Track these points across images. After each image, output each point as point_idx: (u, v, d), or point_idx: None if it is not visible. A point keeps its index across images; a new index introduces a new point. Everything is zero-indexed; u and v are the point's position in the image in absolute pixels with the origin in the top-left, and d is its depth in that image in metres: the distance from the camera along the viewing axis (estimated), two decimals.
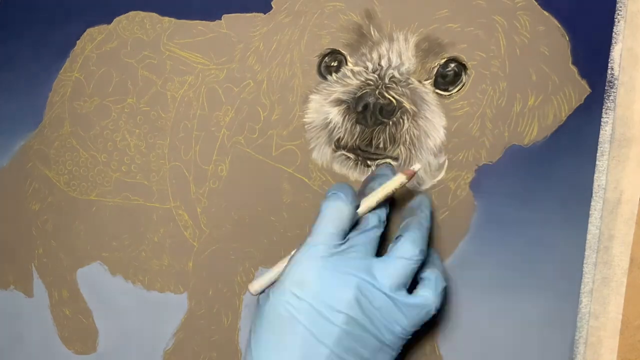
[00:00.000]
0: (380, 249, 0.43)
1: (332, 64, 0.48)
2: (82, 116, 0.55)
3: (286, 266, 0.41)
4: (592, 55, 0.43)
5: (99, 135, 0.55)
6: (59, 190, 0.56)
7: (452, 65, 0.46)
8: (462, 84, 0.45)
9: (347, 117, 0.46)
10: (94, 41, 0.55)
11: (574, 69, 0.44)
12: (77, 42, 0.56)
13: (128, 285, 0.54)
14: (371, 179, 0.45)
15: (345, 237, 0.41)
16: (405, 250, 0.40)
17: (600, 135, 0.43)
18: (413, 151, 0.46)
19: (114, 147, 0.54)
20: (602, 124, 0.43)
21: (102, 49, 0.55)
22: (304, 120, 0.49)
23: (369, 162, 0.47)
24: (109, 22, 0.55)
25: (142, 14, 0.54)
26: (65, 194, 0.56)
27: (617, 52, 0.43)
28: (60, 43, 0.56)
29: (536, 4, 0.44)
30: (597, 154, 0.43)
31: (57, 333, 0.56)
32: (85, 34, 0.55)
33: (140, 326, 0.53)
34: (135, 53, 0.54)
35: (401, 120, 0.46)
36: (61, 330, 0.56)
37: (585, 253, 0.44)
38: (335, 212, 0.41)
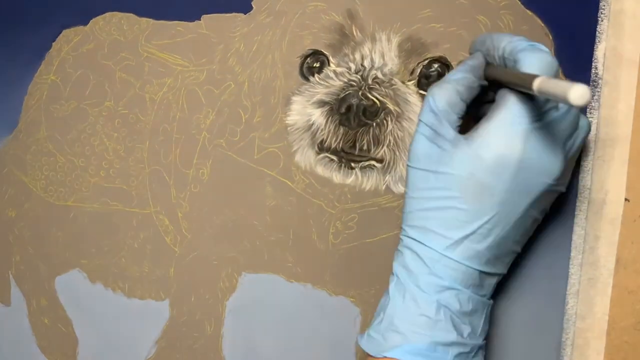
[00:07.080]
0: None
1: (314, 65, 0.48)
2: (58, 120, 0.54)
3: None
4: (575, 54, 0.43)
5: (76, 140, 0.54)
6: (35, 196, 0.55)
7: (436, 65, 0.45)
8: None
9: (330, 118, 0.46)
10: (70, 43, 0.54)
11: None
12: (53, 43, 0.55)
13: (108, 292, 0.53)
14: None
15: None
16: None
17: None
18: (397, 152, 0.46)
19: (92, 152, 0.53)
20: None
21: (78, 51, 0.54)
22: (287, 122, 0.48)
23: (352, 164, 0.47)
24: (86, 23, 0.54)
25: (119, 14, 0.53)
26: (42, 199, 0.55)
27: (600, 51, 0.43)
28: (35, 45, 0.55)
29: (519, 3, 0.44)
30: (582, 154, 0.43)
31: (36, 342, 0.56)
32: (61, 35, 0.55)
33: (121, 334, 0.53)
34: (113, 55, 0.53)
35: (385, 122, 0.45)
36: (40, 339, 0.56)
37: (571, 254, 0.44)
38: (544, 65, 0.36)
